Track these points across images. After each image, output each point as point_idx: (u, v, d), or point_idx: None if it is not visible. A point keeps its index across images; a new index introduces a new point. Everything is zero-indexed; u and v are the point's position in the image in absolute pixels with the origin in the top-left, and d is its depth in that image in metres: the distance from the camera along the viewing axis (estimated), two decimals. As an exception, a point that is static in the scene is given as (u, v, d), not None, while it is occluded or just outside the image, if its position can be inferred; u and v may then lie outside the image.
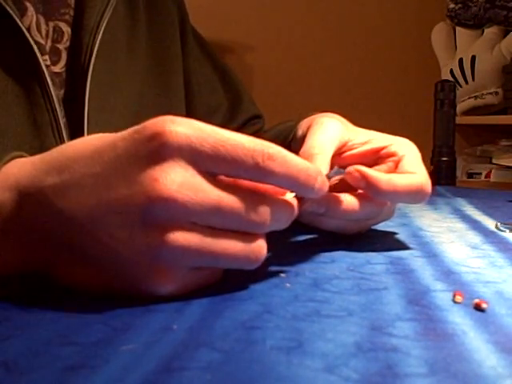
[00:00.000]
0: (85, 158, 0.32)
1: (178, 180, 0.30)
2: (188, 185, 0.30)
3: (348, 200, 0.43)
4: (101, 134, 0.33)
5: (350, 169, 0.43)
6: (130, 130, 0.31)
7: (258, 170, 0.31)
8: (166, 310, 0.31)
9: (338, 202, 0.43)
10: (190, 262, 0.31)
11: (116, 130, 0.33)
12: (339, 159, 0.46)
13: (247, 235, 0.33)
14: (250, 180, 0.32)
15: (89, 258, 0.32)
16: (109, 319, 0.30)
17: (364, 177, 0.42)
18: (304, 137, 0.46)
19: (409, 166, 0.45)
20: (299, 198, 0.36)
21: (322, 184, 0.35)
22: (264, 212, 0.32)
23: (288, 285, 0.36)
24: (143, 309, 0.31)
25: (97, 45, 0.55)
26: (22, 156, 0.36)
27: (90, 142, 0.33)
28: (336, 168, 0.44)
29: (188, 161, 0.30)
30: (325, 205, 0.42)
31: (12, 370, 0.24)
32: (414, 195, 0.44)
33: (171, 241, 0.30)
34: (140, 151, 0.30)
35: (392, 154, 0.46)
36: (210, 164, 0.31)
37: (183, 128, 0.30)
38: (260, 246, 0.33)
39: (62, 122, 0.52)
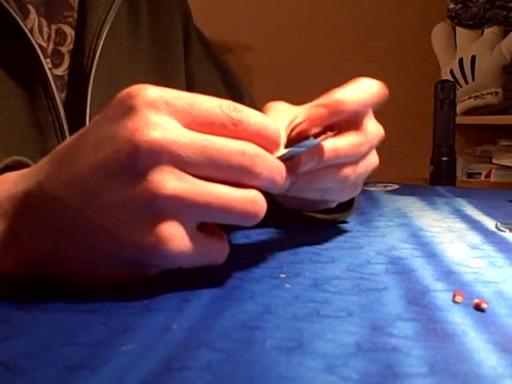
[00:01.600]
0: (69, 148, 0.33)
1: (159, 127, 0.31)
2: (171, 130, 0.31)
3: (332, 142, 0.43)
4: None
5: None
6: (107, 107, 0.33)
7: (230, 120, 0.33)
8: (166, 309, 0.31)
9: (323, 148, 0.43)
10: (186, 212, 0.31)
11: None
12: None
13: (241, 187, 0.33)
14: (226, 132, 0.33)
15: (91, 240, 0.32)
16: (109, 319, 0.30)
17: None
18: None
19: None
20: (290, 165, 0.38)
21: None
22: (254, 157, 0.33)
23: (288, 285, 0.36)
24: (143, 309, 0.31)
25: (99, 48, 0.55)
26: (21, 161, 0.36)
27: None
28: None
29: (168, 114, 0.32)
30: (316, 155, 0.42)
31: (12, 370, 0.24)
32: (377, 97, 0.45)
33: (163, 189, 0.30)
34: (118, 110, 0.32)
35: None
36: (187, 118, 0.32)
37: (156, 91, 0.32)
38: (257, 197, 0.33)
39: (65, 124, 0.52)
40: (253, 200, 0.33)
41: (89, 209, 0.32)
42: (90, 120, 0.54)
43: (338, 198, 0.49)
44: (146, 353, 0.25)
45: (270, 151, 0.35)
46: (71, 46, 0.55)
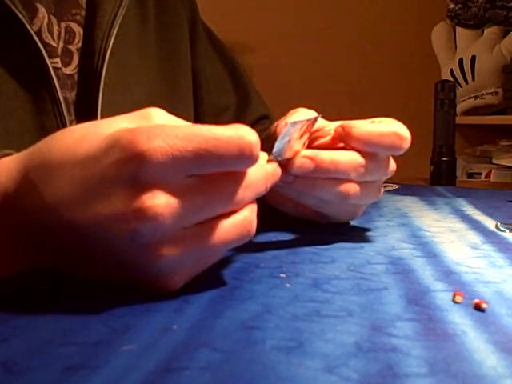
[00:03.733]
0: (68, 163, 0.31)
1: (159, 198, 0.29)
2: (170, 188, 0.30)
3: (333, 154, 0.44)
4: (81, 131, 0.33)
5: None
6: (105, 147, 0.30)
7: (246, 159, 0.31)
8: (166, 309, 0.31)
9: (324, 159, 0.43)
10: (186, 259, 0.32)
11: None
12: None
13: (231, 212, 0.32)
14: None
15: (90, 259, 0.32)
16: (109, 319, 0.30)
17: (340, 127, 0.44)
18: (273, 133, 0.49)
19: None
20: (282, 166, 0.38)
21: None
22: (235, 181, 0.32)
23: (288, 285, 0.36)
24: (143, 309, 0.31)
25: (110, 46, 0.54)
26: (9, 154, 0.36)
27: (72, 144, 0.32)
28: None
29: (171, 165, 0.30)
30: (311, 162, 0.43)
31: (12, 370, 0.24)
32: (388, 139, 0.44)
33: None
34: (121, 174, 0.29)
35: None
36: (194, 168, 0.30)
37: (160, 141, 0.29)
38: (247, 218, 0.33)
39: (70, 125, 0.52)
40: (245, 222, 0.33)
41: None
42: (101, 119, 0.54)
43: (336, 215, 0.50)
44: (146, 353, 0.25)
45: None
46: (79, 45, 0.55)
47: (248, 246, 0.47)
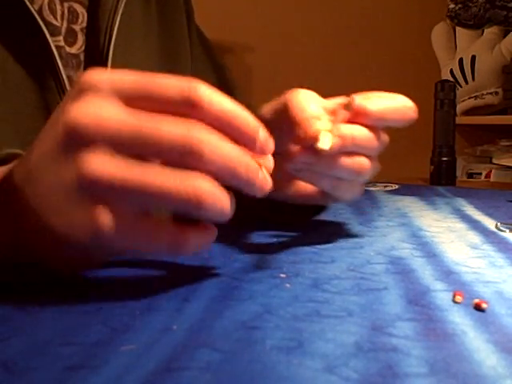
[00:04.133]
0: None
1: (95, 108, 0.30)
2: (107, 110, 0.30)
3: (351, 129, 0.43)
4: None
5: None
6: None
7: (188, 103, 0.30)
8: (166, 309, 0.31)
9: (345, 134, 0.42)
10: (114, 195, 0.30)
11: None
12: None
13: (183, 172, 0.30)
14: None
15: (34, 226, 0.32)
16: (108, 319, 0.30)
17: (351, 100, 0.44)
18: (270, 112, 0.48)
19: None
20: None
21: (266, 140, 0.32)
22: (201, 140, 0.29)
23: (288, 285, 0.36)
24: (143, 309, 0.31)
25: (116, 25, 0.54)
26: (15, 153, 0.36)
27: None
28: None
29: (111, 93, 0.31)
30: (339, 139, 0.42)
31: (12, 370, 0.24)
32: (401, 112, 0.45)
33: (90, 170, 0.29)
34: (68, 95, 0.32)
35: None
36: (134, 96, 0.31)
37: (103, 73, 0.31)
38: (201, 184, 0.29)
39: None
40: (195, 185, 0.29)
41: (29, 190, 0.32)
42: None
43: (342, 194, 0.47)
44: (146, 353, 0.25)
45: (244, 146, 0.32)
46: (84, 24, 0.55)
47: (248, 246, 0.47)
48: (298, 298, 0.33)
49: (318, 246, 0.46)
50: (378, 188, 0.87)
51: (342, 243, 0.47)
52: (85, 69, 0.54)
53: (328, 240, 0.48)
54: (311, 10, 2.27)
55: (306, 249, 0.45)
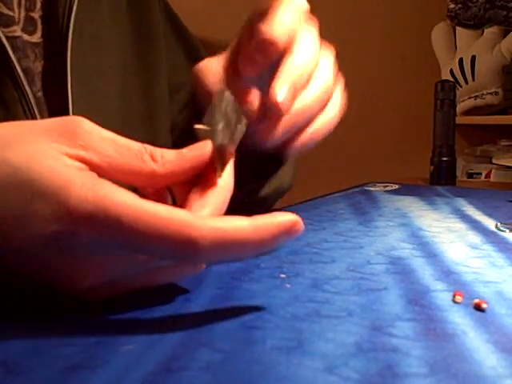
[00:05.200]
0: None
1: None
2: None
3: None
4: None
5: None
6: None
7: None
8: (166, 309, 0.31)
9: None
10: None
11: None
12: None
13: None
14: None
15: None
16: (109, 319, 0.30)
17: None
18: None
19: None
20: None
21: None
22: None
23: (288, 285, 0.36)
24: (143, 309, 0.31)
25: (74, 8, 0.51)
26: None
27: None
28: None
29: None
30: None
31: (12, 370, 0.24)
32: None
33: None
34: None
35: None
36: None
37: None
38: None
39: (34, 97, 0.49)
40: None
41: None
42: (71, 90, 0.50)
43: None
44: (146, 353, 0.25)
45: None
46: (41, 12, 0.51)
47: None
48: (297, 298, 0.33)
49: (318, 246, 0.46)
50: (377, 188, 0.87)
51: (342, 243, 0.47)
52: (46, 58, 0.51)
53: (328, 240, 0.48)
54: (311, 9, 2.27)
55: (306, 249, 0.45)
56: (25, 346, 0.26)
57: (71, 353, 0.25)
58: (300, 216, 0.29)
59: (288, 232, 0.29)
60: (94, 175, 0.29)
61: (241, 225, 0.28)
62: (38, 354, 0.25)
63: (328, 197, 0.76)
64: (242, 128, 0.35)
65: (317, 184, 1.28)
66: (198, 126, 0.33)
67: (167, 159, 0.31)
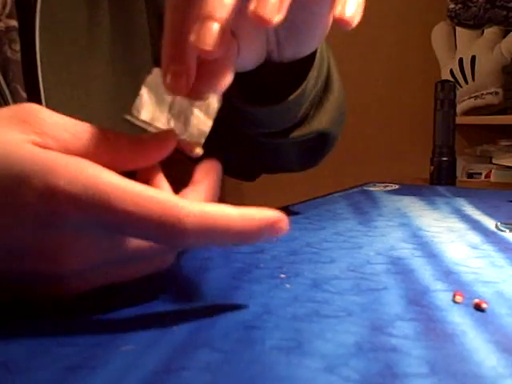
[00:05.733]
0: None
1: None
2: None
3: None
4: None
5: None
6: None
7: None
8: (166, 309, 0.31)
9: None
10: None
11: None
12: None
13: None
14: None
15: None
16: (109, 319, 0.30)
17: None
18: None
19: None
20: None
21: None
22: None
23: (288, 285, 0.36)
24: (143, 309, 0.31)
25: None
26: None
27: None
28: None
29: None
30: None
31: (12, 370, 0.24)
32: None
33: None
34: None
35: None
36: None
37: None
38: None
39: (8, 87, 0.46)
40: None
41: None
42: (42, 74, 0.48)
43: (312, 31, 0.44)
44: (146, 353, 0.25)
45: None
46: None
47: (248, 246, 0.47)
48: (297, 298, 0.33)
49: (318, 246, 0.46)
50: (377, 188, 0.87)
51: (342, 243, 0.47)
52: (21, 45, 0.48)
53: (328, 240, 0.48)
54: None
55: (306, 249, 0.45)
56: (25, 346, 0.26)
57: (71, 353, 0.25)
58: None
59: (271, 227, 0.29)
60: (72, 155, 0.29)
61: (227, 211, 0.28)
62: (38, 354, 0.25)
63: (328, 197, 0.76)
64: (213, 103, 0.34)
65: (317, 184, 1.28)
66: (128, 117, 0.33)
67: (122, 143, 0.31)
